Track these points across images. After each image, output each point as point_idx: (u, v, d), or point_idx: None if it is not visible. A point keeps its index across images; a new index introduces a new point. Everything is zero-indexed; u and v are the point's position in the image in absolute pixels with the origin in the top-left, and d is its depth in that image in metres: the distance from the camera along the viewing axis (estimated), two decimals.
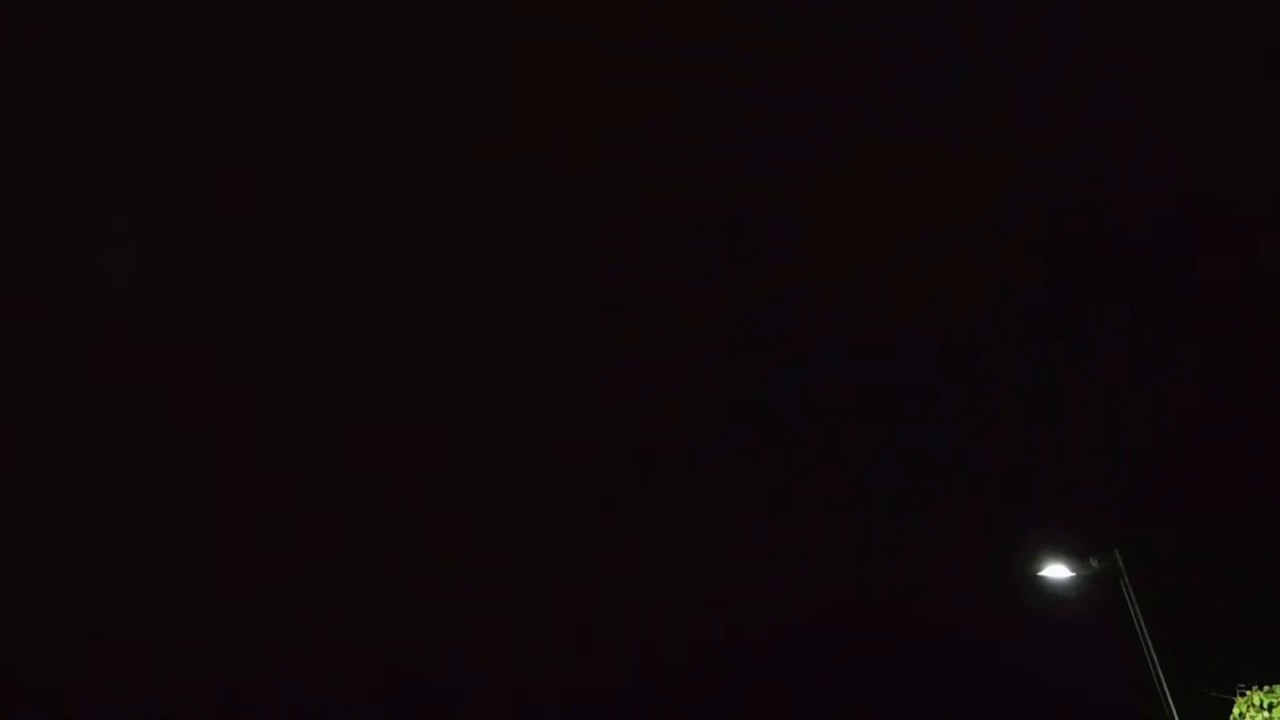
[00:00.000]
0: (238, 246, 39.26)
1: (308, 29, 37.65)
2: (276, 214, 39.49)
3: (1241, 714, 15.25)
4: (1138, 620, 20.04)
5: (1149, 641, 19.83)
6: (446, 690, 38.75)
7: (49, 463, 39.35)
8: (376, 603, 39.26)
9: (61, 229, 38.53)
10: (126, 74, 37.64)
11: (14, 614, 37.41)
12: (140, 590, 38.27)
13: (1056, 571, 20.94)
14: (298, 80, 38.26)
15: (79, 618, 38.67)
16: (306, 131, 39.31)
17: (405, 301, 41.47)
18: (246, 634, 38.52)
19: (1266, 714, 14.86)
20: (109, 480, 39.32)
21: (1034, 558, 21.25)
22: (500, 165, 39.63)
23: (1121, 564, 20.43)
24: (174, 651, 38.70)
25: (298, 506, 39.34)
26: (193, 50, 37.62)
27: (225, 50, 37.88)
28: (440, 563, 38.92)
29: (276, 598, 38.21)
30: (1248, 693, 15.50)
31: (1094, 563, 20.67)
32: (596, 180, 38.27)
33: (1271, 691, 15.06)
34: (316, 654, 38.82)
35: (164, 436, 40.06)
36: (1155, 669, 19.26)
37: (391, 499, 40.35)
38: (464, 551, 39.16)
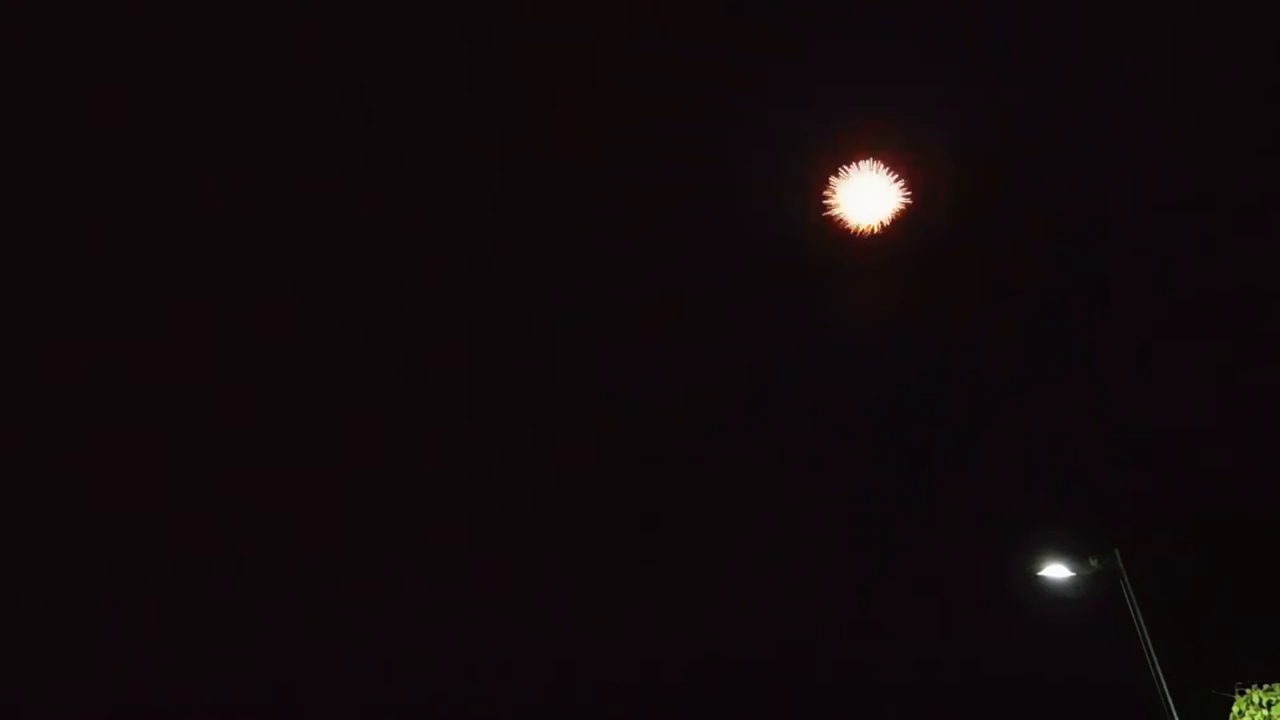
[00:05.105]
0: (238, 247, 39.31)
1: (307, 29, 37.70)
2: (276, 215, 39.55)
3: (1241, 712, 15.28)
4: (1138, 620, 20.06)
5: (1149, 641, 19.84)
6: (445, 689, 38.82)
7: (48, 462, 39.41)
8: (376, 602, 39.32)
9: (59, 229, 38.59)
10: (127, 75, 37.70)
11: (13, 613, 37.49)
12: (139, 589, 38.34)
13: (1056, 571, 20.95)
14: (296, 80, 38.31)
15: (77, 616, 38.73)
16: (306, 132, 39.36)
17: (405, 301, 41.51)
18: (245, 633, 38.61)
19: (1266, 712, 14.89)
20: (108, 479, 39.37)
21: (1034, 558, 21.28)
22: (499, 165, 39.68)
23: (1121, 564, 20.45)
24: (173, 650, 38.78)
25: (298, 506, 39.39)
26: (192, 51, 37.68)
27: (225, 51, 37.93)
28: (439, 563, 38.99)
29: (276, 597, 38.28)
30: (1247, 691, 15.54)
31: (1094, 563, 20.69)
32: (596, 181, 38.34)
33: (1271, 690, 15.09)
34: (315, 652, 38.89)
35: (164, 436, 40.11)
36: (1155, 668, 19.28)
37: (391, 499, 40.40)
38: (463, 551, 39.23)
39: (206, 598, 38.92)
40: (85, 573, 38.61)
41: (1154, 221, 37.05)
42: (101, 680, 38.00)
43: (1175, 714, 18.45)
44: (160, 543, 38.60)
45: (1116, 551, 20.50)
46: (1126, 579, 20.37)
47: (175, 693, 38.42)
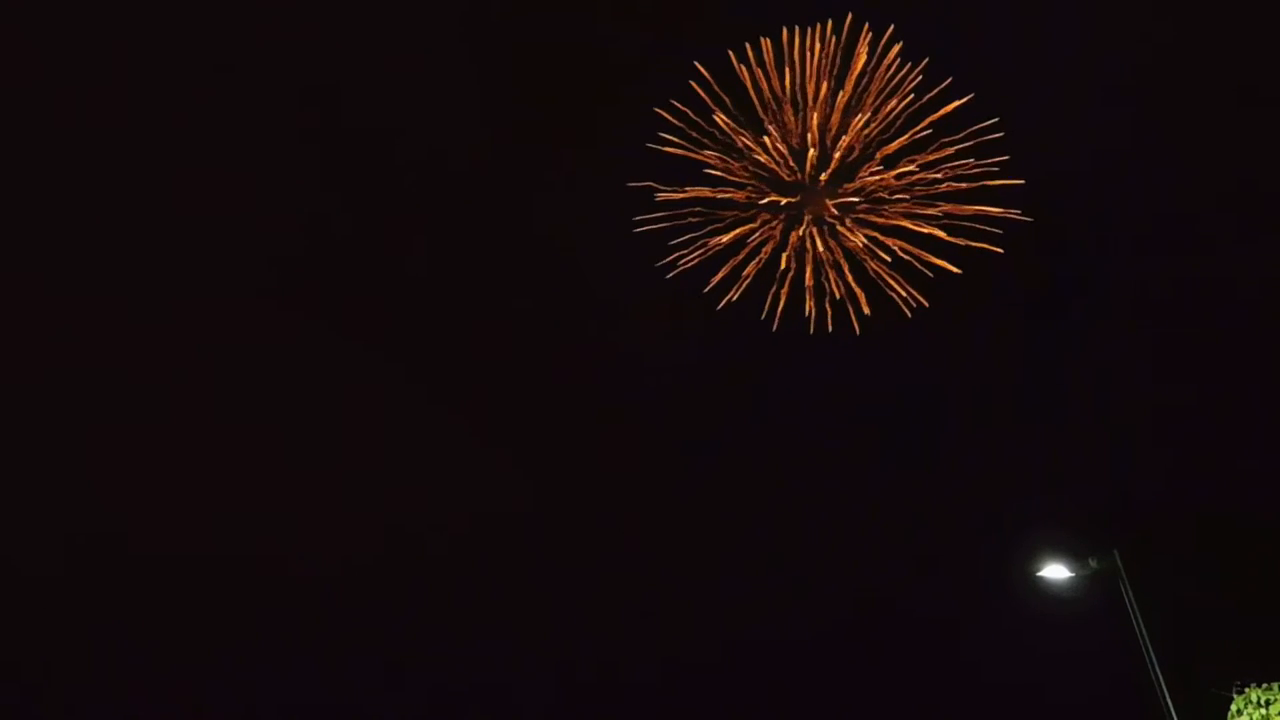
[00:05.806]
0: (239, 247, 39.34)
1: (307, 30, 37.72)
2: (278, 216, 39.57)
3: (1239, 711, 15.30)
4: (1137, 620, 20.01)
5: (1148, 641, 19.81)
6: (445, 687, 38.83)
7: (48, 462, 39.42)
8: (374, 601, 39.34)
9: (59, 228, 38.61)
10: (127, 75, 37.73)
11: (13, 612, 37.49)
12: (138, 588, 38.34)
13: (1056, 571, 20.90)
14: (298, 81, 38.34)
15: (76, 615, 38.72)
16: (307, 134, 39.39)
17: (404, 301, 41.53)
18: (244, 632, 38.62)
19: (1264, 711, 14.90)
20: (107, 479, 39.38)
21: (1034, 558, 21.24)
22: (496, 167, 39.68)
23: (1121, 564, 20.40)
24: (173, 649, 38.78)
25: (297, 506, 39.37)
26: (192, 51, 37.71)
27: (225, 52, 37.96)
28: (437, 563, 38.98)
29: (276, 597, 38.28)
30: (1246, 690, 15.55)
31: (1093, 563, 20.64)
32: (596, 182, 38.31)
33: (1269, 689, 15.10)
34: (313, 652, 38.89)
35: (164, 435, 40.13)
36: (1154, 668, 19.25)
37: (389, 500, 40.40)
38: (461, 552, 39.21)
39: (206, 598, 38.93)
40: (85, 572, 38.64)
41: (1155, 220, 37.06)
42: (101, 679, 38.02)
43: (1175, 713, 18.42)
44: (160, 542, 38.61)
45: (1116, 552, 20.45)
46: (1126, 579, 20.32)
47: (175, 692, 38.43)
